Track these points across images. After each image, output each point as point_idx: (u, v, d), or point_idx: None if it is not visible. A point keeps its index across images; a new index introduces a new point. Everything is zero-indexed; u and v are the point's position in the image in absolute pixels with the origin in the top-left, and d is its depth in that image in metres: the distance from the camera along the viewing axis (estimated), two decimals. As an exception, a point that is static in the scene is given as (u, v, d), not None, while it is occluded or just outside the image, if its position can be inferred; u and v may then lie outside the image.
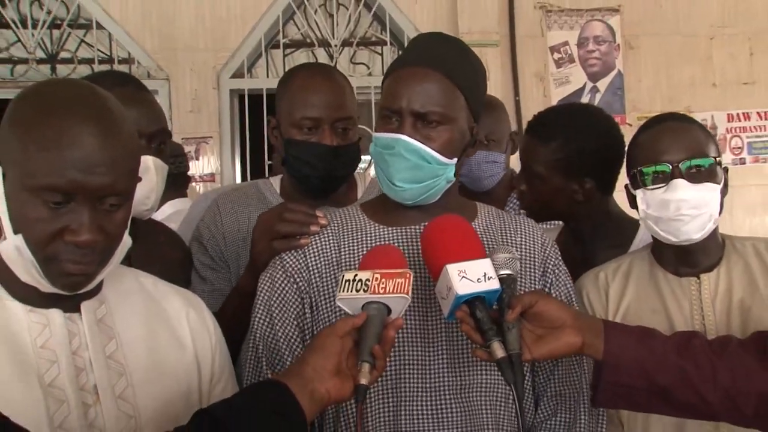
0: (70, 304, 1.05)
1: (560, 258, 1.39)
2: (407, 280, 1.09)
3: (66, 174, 0.93)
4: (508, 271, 1.15)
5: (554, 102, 4.15)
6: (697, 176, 1.36)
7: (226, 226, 1.69)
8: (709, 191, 1.36)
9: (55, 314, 1.03)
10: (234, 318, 1.46)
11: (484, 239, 1.28)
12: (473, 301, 1.10)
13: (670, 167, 1.36)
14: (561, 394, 1.34)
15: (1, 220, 0.99)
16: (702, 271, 1.45)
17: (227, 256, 1.68)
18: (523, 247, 1.34)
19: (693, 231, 1.37)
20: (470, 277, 1.09)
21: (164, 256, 1.62)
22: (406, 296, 1.08)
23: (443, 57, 1.27)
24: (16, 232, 0.97)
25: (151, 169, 1.48)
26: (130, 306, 1.13)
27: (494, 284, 1.10)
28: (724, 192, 1.40)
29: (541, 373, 1.35)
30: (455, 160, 1.28)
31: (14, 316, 1.02)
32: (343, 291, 1.11)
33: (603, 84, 4.21)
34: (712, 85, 4.26)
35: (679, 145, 1.37)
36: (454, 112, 1.26)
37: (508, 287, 1.14)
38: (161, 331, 1.15)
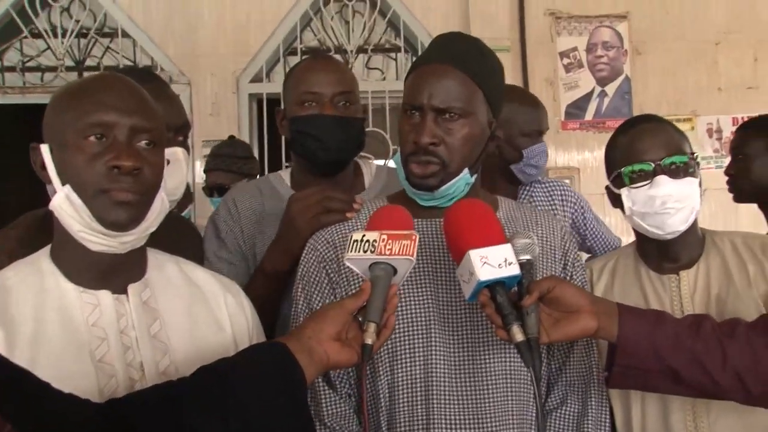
0: (118, 286, 1.12)
1: (578, 250, 1.42)
2: (413, 242, 1.09)
3: (101, 110, 1.06)
4: (527, 257, 1.16)
5: (563, 106, 4.26)
6: (677, 172, 1.42)
7: (243, 219, 1.69)
8: (689, 185, 1.43)
9: (105, 295, 1.10)
10: (258, 301, 1.39)
11: (506, 231, 1.27)
12: (494, 285, 1.12)
13: (652, 165, 1.43)
14: (572, 383, 1.36)
15: (52, 190, 1.08)
16: (683, 267, 1.50)
17: (245, 249, 1.68)
18: (545, 239, 1.37)
19: (678, 223, 1.44)
20: (492, 262, 1.10)
21: (182, 245, 1.60)
22: (411, 258, 1.09)
23: (462, 54, 1.30)
24: (64, 184, 1.06)
25: (182, 160, 1.49)
26: (172, 290, 1.20)
27: (514, 270, 1.11)
28: (701, 185, 1.49)
29: (554, 361, 1.37)
30: (467, 171, 1.32)
31: (68, 297, 1.09)
32: (352, 251, 1.11)
33: (611, 88, 4.29)
34: (717, 90, 4.32)
35: (657, 144, 1.44)
36: (472, 107, 1.29)
37: (528, 272, 1.16)
38: (201, 314, 1.21)
